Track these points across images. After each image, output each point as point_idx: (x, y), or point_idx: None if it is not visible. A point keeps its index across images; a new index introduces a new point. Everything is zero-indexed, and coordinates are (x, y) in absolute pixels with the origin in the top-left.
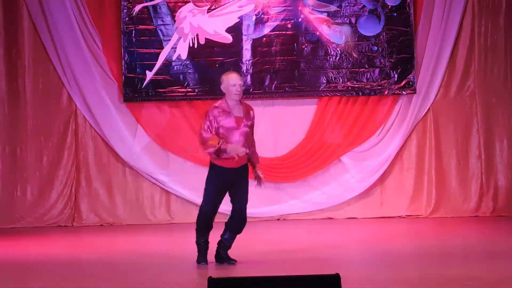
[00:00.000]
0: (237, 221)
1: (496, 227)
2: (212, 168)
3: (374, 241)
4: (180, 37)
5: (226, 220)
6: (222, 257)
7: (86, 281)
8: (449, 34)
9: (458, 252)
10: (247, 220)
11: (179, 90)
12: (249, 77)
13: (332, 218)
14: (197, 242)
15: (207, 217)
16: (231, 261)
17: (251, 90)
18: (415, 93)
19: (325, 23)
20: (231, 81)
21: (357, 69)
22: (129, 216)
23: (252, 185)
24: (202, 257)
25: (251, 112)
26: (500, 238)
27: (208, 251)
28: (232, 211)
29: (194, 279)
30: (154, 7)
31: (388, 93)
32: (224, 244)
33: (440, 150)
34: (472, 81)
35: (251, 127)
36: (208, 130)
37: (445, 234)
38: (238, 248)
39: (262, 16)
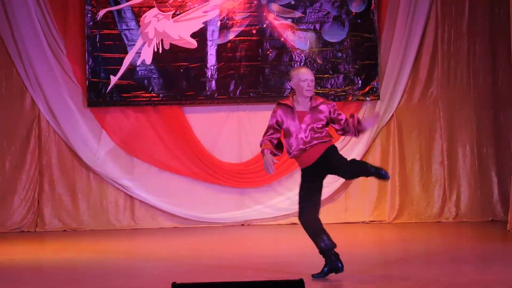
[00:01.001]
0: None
1: (459, 232)
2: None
3: (338, 246)
4: (145, 42)
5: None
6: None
7: (47, 287)
8: (412, 40)
9: (421, 257)
10: (210, 225)
11: (144, 95)
12: (213, 82)
13: (296, 224)
14: (320, 251)
15: (310, 222)
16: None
17: (216, 95)
18: (379, 99)
19: (289, 29)
20: (302, 76)
21: (321, 75)
22: (93, 221)
23: (213, 190)
24: (334, 263)
25: (324, 104)
26: (462, 244)
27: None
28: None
29: (157, 285)
30: (119, 12)
31: (352, 99)
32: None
33: (404, 155)
34: (435, 87)
35: (326, 117)
36: (269, 129)
37: (408, 240)
38: (203, 253)
39: (227, 21)
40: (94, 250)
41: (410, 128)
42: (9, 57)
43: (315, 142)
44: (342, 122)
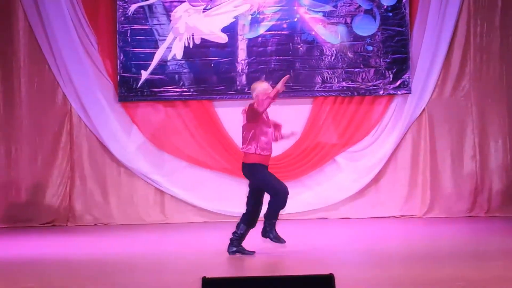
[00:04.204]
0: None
1: (490, 227)
2: (256, 166)
3: (367, 241)
4: (176, 37)
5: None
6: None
7: (75, 281)
8: (444, 34)
9: (450, 253)
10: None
11: (174, 89)
12: (244, 76)
13: (326, 218)
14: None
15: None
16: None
17: (246, 90)
18: (410, 93)
19: (320, 23)
20: None
21: (352, 69)
22: (124, 216)
23: (243, 185)
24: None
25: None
26: (492, 239)
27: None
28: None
29: (188, 280)
30: (150, 6)
31: (383, 93)
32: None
33: (435, 150)
34: (467, 81)
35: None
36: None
37: (438, 234)
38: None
39: (258, 16)
40: (124, 245)
41: (441, 122)
42: (41, 53)
43: None
44: None
